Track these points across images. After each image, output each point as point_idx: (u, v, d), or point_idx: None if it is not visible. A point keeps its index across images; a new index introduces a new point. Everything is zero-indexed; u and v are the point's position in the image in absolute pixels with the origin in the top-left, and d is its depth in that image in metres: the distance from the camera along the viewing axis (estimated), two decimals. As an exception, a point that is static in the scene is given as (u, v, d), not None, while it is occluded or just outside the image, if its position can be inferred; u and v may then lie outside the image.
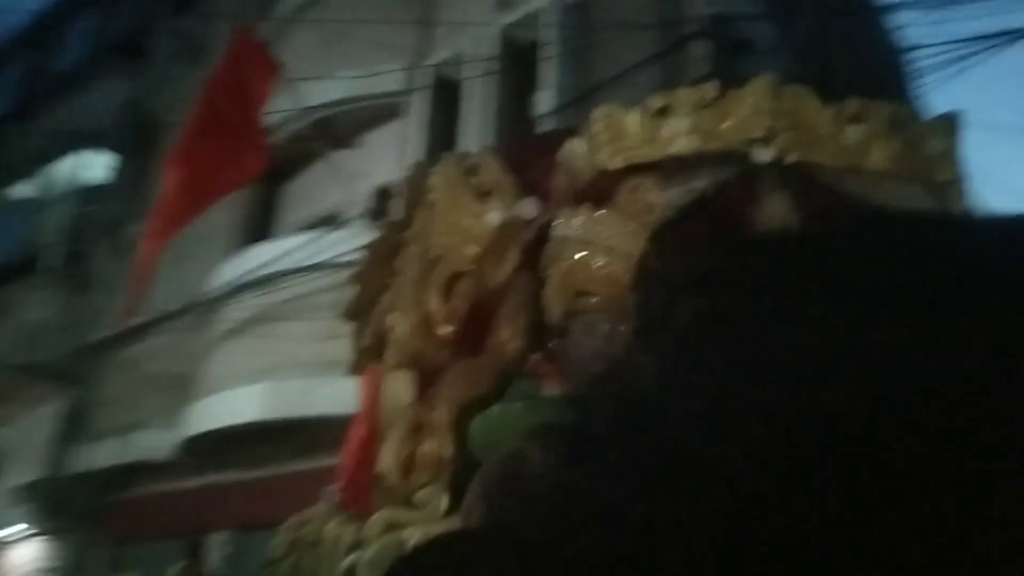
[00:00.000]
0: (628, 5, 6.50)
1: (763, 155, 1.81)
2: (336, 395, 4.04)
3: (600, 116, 1.99)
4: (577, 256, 1.87)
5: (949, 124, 1.85)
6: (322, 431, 4.96)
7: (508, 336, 2.18)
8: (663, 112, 1.92)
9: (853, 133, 1.81)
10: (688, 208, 2.33)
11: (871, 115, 1.83)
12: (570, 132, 2.14)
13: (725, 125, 1.86)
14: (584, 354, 1.91)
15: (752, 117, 1.81)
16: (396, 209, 2.12)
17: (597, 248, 1.88)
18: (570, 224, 1.91)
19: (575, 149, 2.05)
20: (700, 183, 2.28)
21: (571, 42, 6.59)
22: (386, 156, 6.92)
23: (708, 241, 2.38)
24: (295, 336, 6.25)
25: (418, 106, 7.19)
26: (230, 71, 5.35)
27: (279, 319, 6.53)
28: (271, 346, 6.58)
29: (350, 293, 2.04)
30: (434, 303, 1.99)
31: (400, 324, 1.88)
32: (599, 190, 2.00)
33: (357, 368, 2.01)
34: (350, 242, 4.71)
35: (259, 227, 8.40)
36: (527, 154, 2.50)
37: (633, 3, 6.56)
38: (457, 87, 6.99)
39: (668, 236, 2.18)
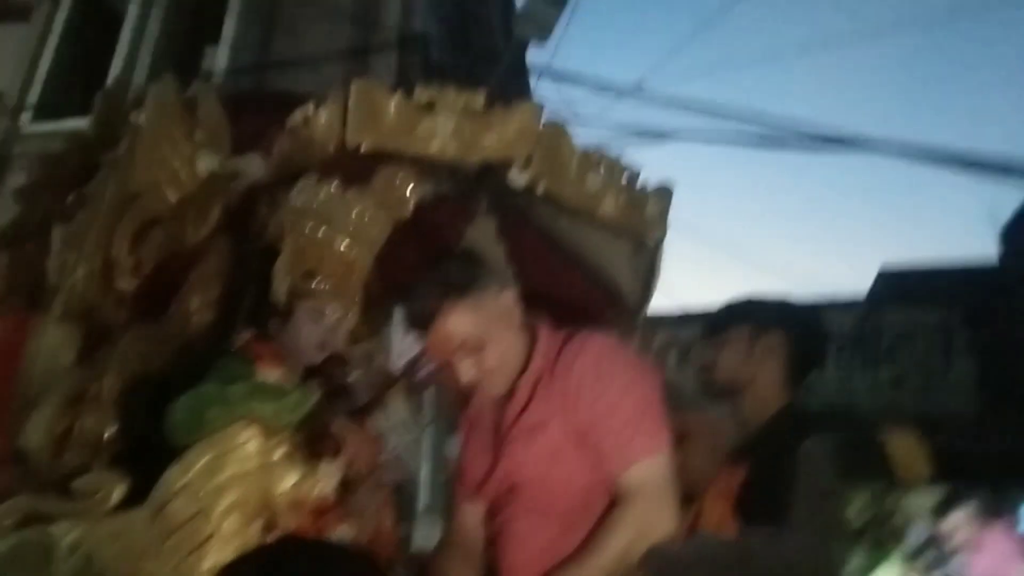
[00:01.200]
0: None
1: (519, 178, 1.83)
2: None
3: (358, 91, 1.84)
4: (318, 233, 1.69)
5: (666, 192, 2.06)
6: None
7: (196, 306, 1.90)
8: (428, 107, 1.84)
9: (593, 181, 1.92)
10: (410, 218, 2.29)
11: (609, 166, 1.96)
12: (301, 98, 1.95)
13: (488, 140, 1.84)
14: (307, 342, 1.72)
15: (517, 139, 1.82)
16: (92, 123, 1.71)
17: (339, 229, 1.72)
18: (314, 196, 1.72)
19: (318, 118, 1.87)
20: (441, 188, 2.27)
21: (258, 7, 6.14)
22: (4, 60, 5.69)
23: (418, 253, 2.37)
24: None
25: (54, 15, 6.06)
26: None
27: None
28: None
29: (9, 212, 1.58)
30: (121, 249, 1.64)
31: (78, 267, 1.51)
32: (343, 168, 1.85)
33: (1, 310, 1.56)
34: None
35: None
36: (248, 108, 2.23)
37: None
38: (117, 12, 6.06)
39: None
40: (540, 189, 1.86)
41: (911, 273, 4.87)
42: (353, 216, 1.72)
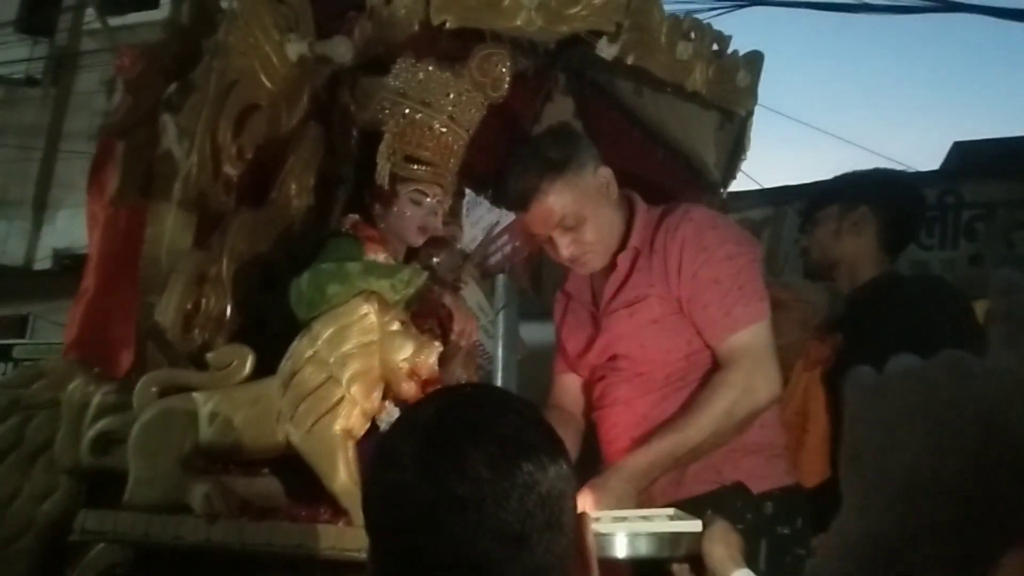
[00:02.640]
0: None
1: (609, 50, 1.80)
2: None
3: (436, -32, 1.81)
4: (417, 116, 1.71)
5: (756, 61, 2.00)
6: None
7: (295, 191, 1.95)
8: (510, -21, 1.80)
9: (684, 50, 1.88)
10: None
11: (700, 35, 1.91)
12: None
13: (574, 11, 1.80)
14: (407, 225, 1.77)
15: (604, 8, 1.78)
16: (187, 11, 1.73)
17: (438, 110, 1.73)
18: (411, 78, 1.72)
19: (398, -4, 1.85)
20: (518, 66, 2.24)
21: None
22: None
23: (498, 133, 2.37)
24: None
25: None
26: None
27: None
28: None
29: (119, 104, 1.63)
30: (227, 135, 1.68)
31: (191, 154, 1.56)
32: (438, 48, 1.83)
33: (119, 198, 1.63)
34: None
35: None
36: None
37: None
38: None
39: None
40: (630, 60, 1.82)
41: (989, 144, 4.66)
42: (451, 97, 1.72)
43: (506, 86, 1.79)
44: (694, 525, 1.34)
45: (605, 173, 1.77)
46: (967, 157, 4.36)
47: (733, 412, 1.55)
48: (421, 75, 1.70)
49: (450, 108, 1.73)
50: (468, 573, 0.74)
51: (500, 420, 0.78)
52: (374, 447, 0.86)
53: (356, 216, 1.77)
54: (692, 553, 1.33)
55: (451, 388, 0.84)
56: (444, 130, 1.73)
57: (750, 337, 1.61)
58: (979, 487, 0.43)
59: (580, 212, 1.71)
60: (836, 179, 2.25)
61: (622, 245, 1.78)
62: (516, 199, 1.76)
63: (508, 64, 1.76)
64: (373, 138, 1.73)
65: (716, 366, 1.64)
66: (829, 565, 0.47)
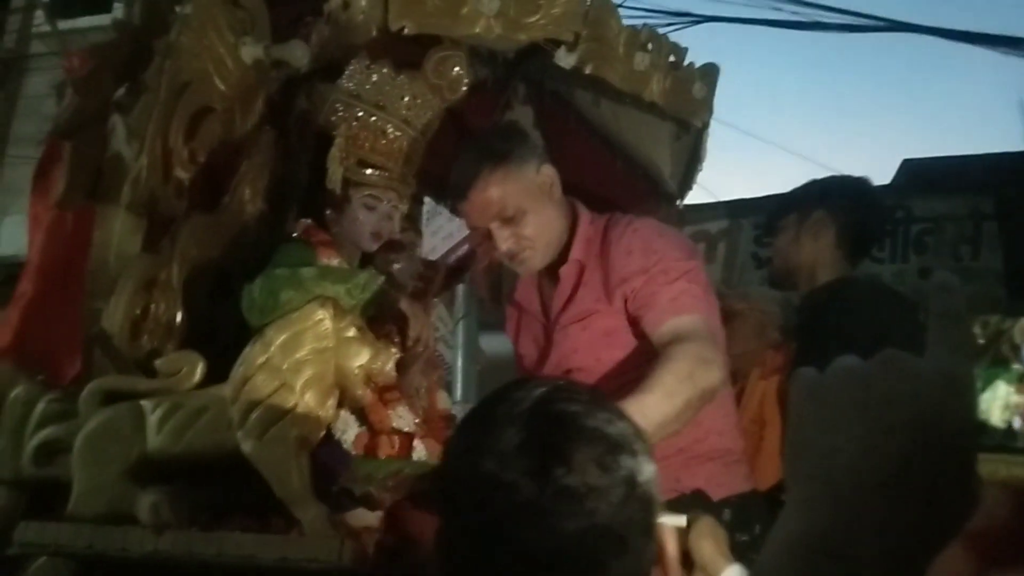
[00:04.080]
0: None
1: (567, 59, 1.82)
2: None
3: (397, -27, 1.81)
4: (371, 119, 1.70)
5: (711, 73, 2.04)
6: None
7: (249, 196, 1.93)
8: (471, -13, 1.81)
9: (641, 61, 1.90)
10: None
11: (657, 46, 1.93)
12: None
13: (532, 19, 1.82)
14: (361, 231, 1.75)
15: (563, 18, 1.80)
16: (139, 11, 1.70)
17: (392, 114, 1.72)
18: (365, 80, 1.72)
19: (357, 1, 1.84)
20: (478, 75, 2.24)
21: None
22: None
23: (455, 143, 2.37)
24: None
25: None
26: None
27: None
28: None
29: (66, 104, 1.59)
30: (178, 138, 1.66)
31: (140, 156, 1.53)
32: (393, 51, 1.83)
33: (65, 201, 1.59)
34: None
35: None
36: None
37: None
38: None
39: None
40: (588, 69, 1.84)
41: (937, 162, 4.79)
42: (405, 100, 1.72)
43: (463, 88, 1.79)
44: (679, 520, 1.34)
45: (548, 172, 1.77)
46: (916, 174, 4.48)
47: (694, 379, 1.47)
48: (375, 77, 1.70)
49: (405, 111, 1.73)
50: (573, 569, 0.74)
51: (599, 415, 0.78)
52: (457, 433, 0.86)
53: (308, 221, 1.75)
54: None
55: (533, 379, 0.82)
56: (398, 134, 1.72)
57: (698, 322, 1.57)
58: (916, 484, 0.44)
59: (519, 205, 1.70)
60: (795, 189, 2.29)
61: (564, 257, 1.77)
62: (456, 187, 1.75)
63: (465, 66, 1.76)
64: (328, 142, 1.72)
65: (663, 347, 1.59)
66: (773, 561, 0.47)
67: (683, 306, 1.60)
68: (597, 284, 1.72)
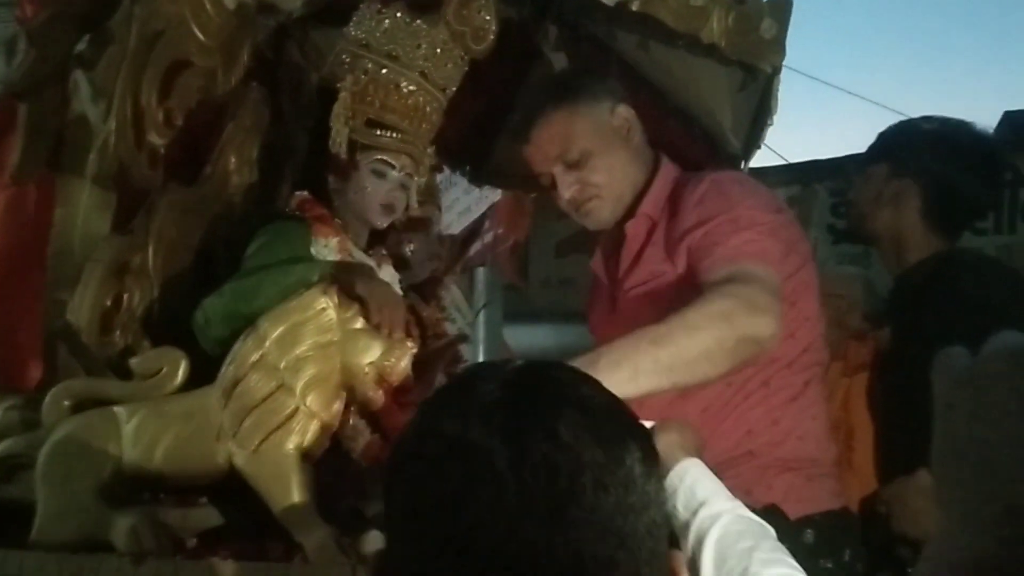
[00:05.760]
0: None
1: (610, -3, 1.78)
2: None
3: None
4: (381, 72, 1.68)
5: (783, 7, 1.98)
6: None
7: (235, 165, 1.92)
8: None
9: (701, -6, 1.85)
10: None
11: (719, -25, 1.88)
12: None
13: (573, -53, 1.78)
14: (369, 203, 1.74)
15: (606, -47, 1.76)
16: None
17: (406, 66, 1.70)
18: (376, 28, 1.70)
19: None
20: (505, 14, 2.21)
21: None
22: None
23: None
24: None
25: None
26: None
27: None
28: None
29: (21, 59, 1.58)
30: (151, 96, 1.65)
31: (107, 118, 1.52)
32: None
33: (21, 174, 1.58)
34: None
35: None
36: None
37: None
38: None
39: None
40: (634, 6, 1.80)
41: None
42: (422, 50, 1.70)
43: (491, 37, 1.78)
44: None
45: (625, 113, 1.78)
46: (1021, 128, 4.38)
47: (732, 319, 1.44)
48: (387, 23, 1.68)
49: (422, 63, 1.71)
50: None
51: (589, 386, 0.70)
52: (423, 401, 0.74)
53: (304, 193, 1.74)
54: None
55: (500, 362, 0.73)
56: (413, 88, 1.70)
57: (760, 271, 1.54)
58: None
59: (586, 146, 1.72)
60: (897, 128, 2.22)
61: (632, 211, 1.77)
62: (518, 127, 1.79)
63: (492, 11, 1.74)
64: (329, 99, 1.70)
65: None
66: None
67: (746, 254, 1.56)
68: (665, 244, 1.71)
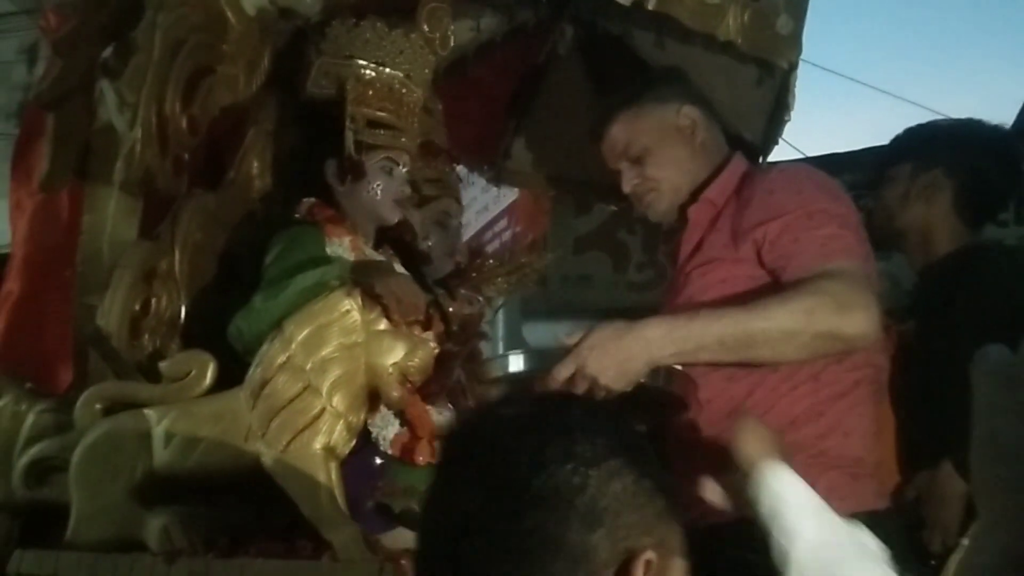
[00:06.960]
0: None
1: (624, -4, 1.79)
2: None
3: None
4: (375, 76, 1.73)
5: (799, 3, 1.98)
6: None
7: (256, 170, 1.95)
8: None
9: (715, -9, 1.86)
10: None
11: (733, -30, 1.89)
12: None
13: (585, -54, 1.80)
14: (383, 199, 1.76)
15: (621, -57, 1.77)
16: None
17: (395, 70, 1.76)
18: (355, 38, 1.75)
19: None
20: (519, 17, 2.23)
21: None
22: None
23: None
24: None
25: None
26: None
27: None
28: None
29: (47, 69, 1.61)
30: (175, 104, 1.67)
31: (133, 127, 1.55)
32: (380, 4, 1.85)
33: (50, 182, 1.62)
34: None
35: None
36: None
37: None
38: None
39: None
40: (650, 4, 1.81)
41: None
42: (404, 55, 1.78)
43: (451, 44, 1.87)
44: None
45: (691, 113, 1.87)
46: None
47: (814, 314, 1.49)
48: (368, 34, 1.75)
49: (406, 66, 1.79)
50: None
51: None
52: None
53: (312, 200, 1.76)
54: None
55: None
56: (404, 90, 1.78)
57: (850, 267, 1.58)
58: None
59: (646, 144, 1.84)
60: (912, 130, 2.23)
61: (695, 198, 1.84)
62: (594, 126, 1.93)
63: (450, 19, 1.84)
64: (340, 104, 1.75)
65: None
66: None
67: (833, 251, 1.61)
68: (728, 230, 1.75)
